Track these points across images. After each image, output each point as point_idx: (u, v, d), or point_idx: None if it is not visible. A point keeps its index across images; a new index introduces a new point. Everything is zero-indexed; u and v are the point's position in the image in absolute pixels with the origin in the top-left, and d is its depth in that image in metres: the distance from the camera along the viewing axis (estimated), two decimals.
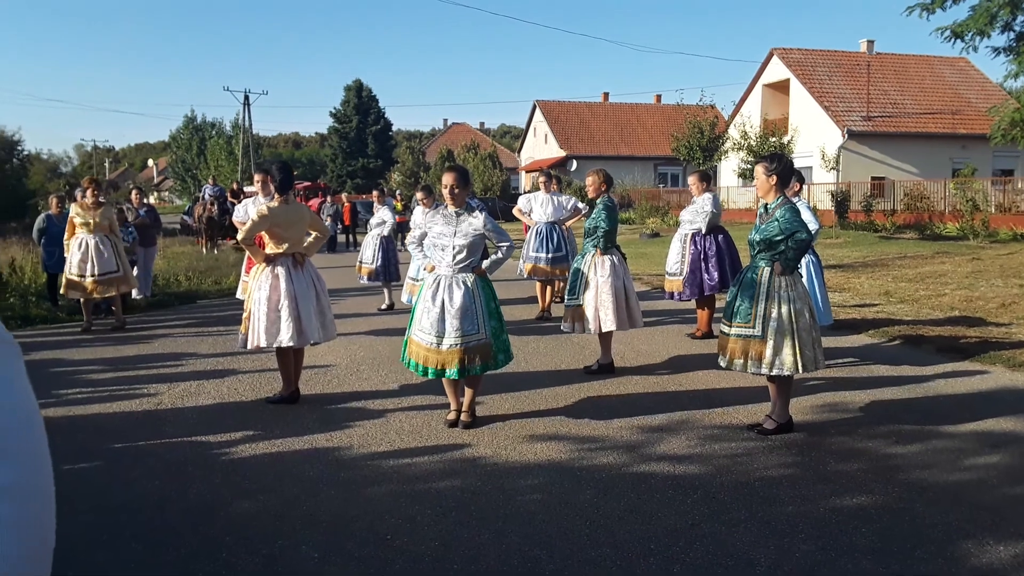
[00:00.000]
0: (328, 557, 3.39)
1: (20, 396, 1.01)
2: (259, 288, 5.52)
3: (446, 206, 5.10)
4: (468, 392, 5.18)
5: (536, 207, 9.61)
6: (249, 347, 5.60)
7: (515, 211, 10.03)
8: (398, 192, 25.12)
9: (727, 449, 4.69)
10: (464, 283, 4.93)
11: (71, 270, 8.80)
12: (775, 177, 4.90)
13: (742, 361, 4.86)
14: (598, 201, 6.58)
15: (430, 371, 4.98)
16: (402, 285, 10.02)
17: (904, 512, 3.76)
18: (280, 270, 5.55)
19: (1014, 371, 6.39)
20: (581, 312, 6.39)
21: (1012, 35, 19.58)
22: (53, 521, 1.08)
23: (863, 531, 3.54)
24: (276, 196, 5.71)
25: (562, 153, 45.23)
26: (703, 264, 7.91)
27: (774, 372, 4.78)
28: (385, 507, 3.87)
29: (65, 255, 9.00)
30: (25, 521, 0.92)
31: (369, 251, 10.58)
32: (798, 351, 4.74)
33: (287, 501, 3.97)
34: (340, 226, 23.77)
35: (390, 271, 10.51)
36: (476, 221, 4.99)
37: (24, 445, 0.98)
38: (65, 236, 9.03)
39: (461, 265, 4.97)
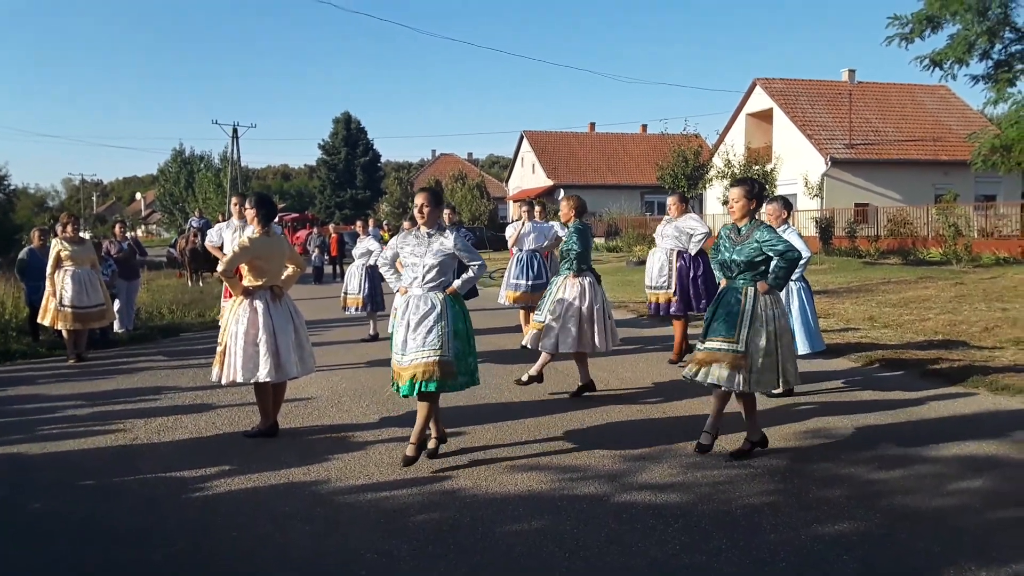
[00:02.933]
0: None
1: None
2: (236, 322, 5.44)
3: (419, 227, 5.12)
4: (420, 418, 4.91)
5: (520, 236, 9.66)
6: (224, 382, 5.49)
7: (509, 239, 10.01)
8: (385, 223, 25.10)
9: (709, 477, 4.64)
10: (432, 301, 4.91)
11: (63, 302, 8.77)
12: (755, 201, 5.02)
13: (720, 371, 4.79)
14: (570, 225, 6.77)
15: (401, 388, 4.88)
16: (387, 315, 9.95)
17: (886, 539, 3.72)
18: (258, 304, 5.48)
19: (996, 395, 6.39)
20: (542, 330, 6.54)
21: (990, 63, 19.94)
22: None
23: (845, 558, 3.50)
24: (257, 227, 5.64)
25: (550, 182, 45.49)
26: (695, 280, 8.02)
27: (756, 390, 4.83)
28: (361, 542, 3.79)
29: (49, 288, 8.91)
30: None
31: (355, 281, 10.50)
32: (780, 368, 4.83)
33: (260, 538, 3.89)
34: (327, 257, 23.74)
35: (376, 300, 10.45)
36: (447, 241, 4.99)
37: None
38: (48, 269, 8.94)
39: (431, 284, 4.95)
